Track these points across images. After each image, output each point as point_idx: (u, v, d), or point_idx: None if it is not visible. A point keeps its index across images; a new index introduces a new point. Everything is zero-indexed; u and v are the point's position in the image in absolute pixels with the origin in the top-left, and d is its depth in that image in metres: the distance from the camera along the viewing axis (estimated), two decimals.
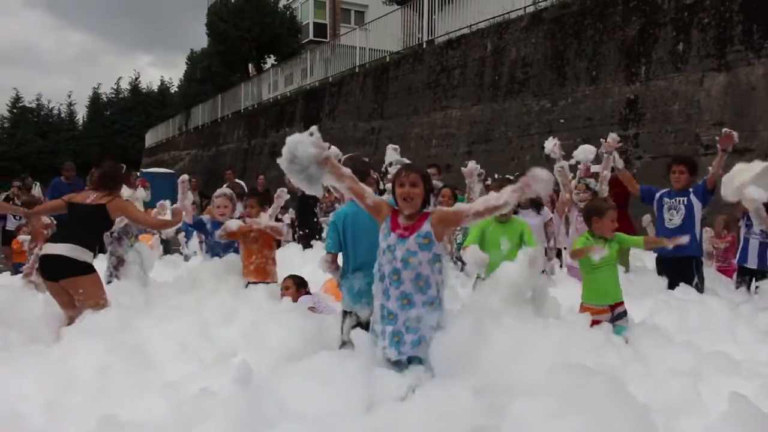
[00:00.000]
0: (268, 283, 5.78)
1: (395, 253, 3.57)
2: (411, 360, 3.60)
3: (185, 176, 6.55)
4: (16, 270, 8.85)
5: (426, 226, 3.58)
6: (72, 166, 12.15)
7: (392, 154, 6.34)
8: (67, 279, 5.07)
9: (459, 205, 3.82)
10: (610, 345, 4.14)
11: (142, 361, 4.06)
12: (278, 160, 3.49)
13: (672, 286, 6.09)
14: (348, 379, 3.54)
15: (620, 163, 6.62)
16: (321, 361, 3.76)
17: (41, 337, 4.76)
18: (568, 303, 4.83)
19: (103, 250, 6.65)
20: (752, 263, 6.54)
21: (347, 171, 3.65)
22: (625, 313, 4.70)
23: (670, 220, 6.28)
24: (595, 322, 4.44)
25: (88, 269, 5.17)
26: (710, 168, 6.22)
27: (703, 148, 9.92)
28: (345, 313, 4.31)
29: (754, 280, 6.47)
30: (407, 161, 5.89)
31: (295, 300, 5.22)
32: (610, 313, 4.63)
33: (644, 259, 8.00)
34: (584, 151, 7.26)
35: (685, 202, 6.20)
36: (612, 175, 6.96)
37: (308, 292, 5.60)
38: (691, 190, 6.25)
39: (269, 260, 5.94)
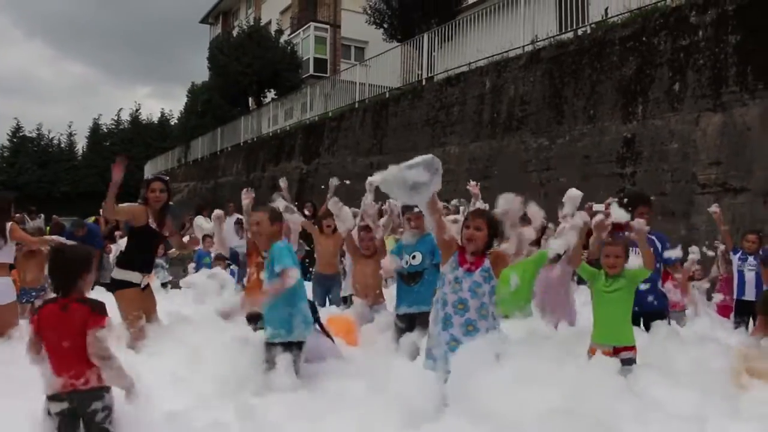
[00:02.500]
0: None
1: (462, 284, 4.06)
2: None
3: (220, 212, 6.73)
4: None
5: (487, 263, 4.11)
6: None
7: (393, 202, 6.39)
8: None
9: (504, 247, 4.25)
10: (619, 391, 3.98)
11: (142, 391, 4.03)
12: (382, 175, 3.92)
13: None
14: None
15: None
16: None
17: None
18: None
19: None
20: (750, 295, 6.58)
21: (440, 205, 4.28)
22: (631, 360, 4.48)
23: None
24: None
25: None
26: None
27: (700, 187, 10.01)
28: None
29: (752, 318, 6.46)
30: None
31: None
32: (614, 356, 4.39)
33: None
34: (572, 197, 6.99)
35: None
36: None
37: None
38: (654, 238, 6.11)
39: None
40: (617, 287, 4.53)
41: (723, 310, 8.03)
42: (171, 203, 6.35)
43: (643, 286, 5.31)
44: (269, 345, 4.48)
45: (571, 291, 6.26)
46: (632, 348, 4.53)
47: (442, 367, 3.99)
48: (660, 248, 6.01)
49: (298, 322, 4.52)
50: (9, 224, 6.34)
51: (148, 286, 6.15)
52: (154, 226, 6.03)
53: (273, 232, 4.63)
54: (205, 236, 10.72)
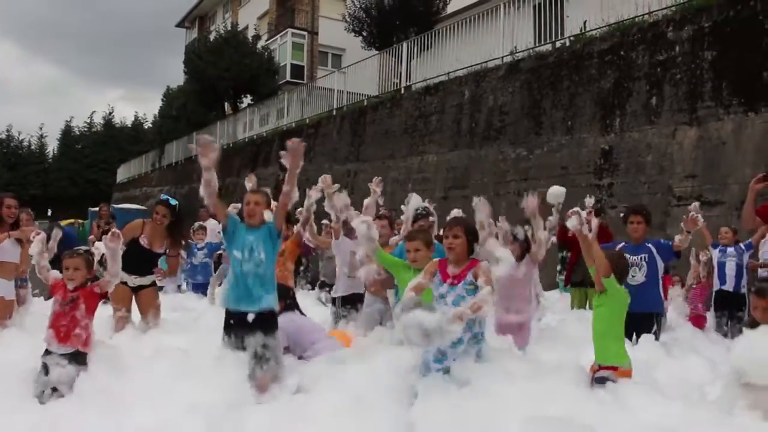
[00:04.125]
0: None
1: (446, 299, 4.09)
2: None
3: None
4: None
5: (470, 276, 4.09)
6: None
7: (416, 200, 6.31)
8: None
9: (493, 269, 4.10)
10: (592, 398, 4.02)
11: (116, 405, 3.97)
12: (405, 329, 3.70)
13: (629, 337, 6.05)
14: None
15: (587, 230, 6.56)
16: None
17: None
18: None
19: None
20: (730, 286, 6.99)
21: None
22: (604, 380, 4.19)
23: (633, 276, 6.09)
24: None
25: None
26: (677, 237, 6.27)
27: (676, 200, 10.15)
28: None
29: (731, 319, 6.73)
30: (428, 206, 6.04)
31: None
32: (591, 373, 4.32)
33: None
34: (555, 195, 7.07)
35: (647, 259, 6.21)
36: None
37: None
38: (651, 246, 6.25)
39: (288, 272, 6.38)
40: (599, 303, 4.44)
41: (697, 321, 8.14)
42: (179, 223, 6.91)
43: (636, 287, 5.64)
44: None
45: (534, 293, 6.17)
46: (613, 368, 4.25)
47: (427, 375, 4.05)
48: (657, 255, 6.15)
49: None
50: None
51: (147, 287, 6.59)
52: (144, 243, 6.55)
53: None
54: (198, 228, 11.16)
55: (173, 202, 6.82)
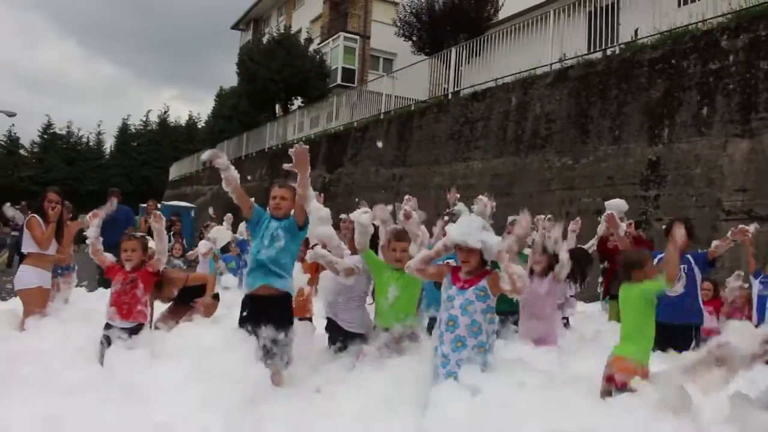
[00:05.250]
0: (309, 319, 6.21)
1: (454, 302, 4.10)
2: None
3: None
4: None
5: (483, 282, 4.09)
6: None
7: (460, 206, 6.34)
8: None
9: (502, 283, 4.01)
10: (610, 410, 3.94)
11: (137, 398, 4.04)
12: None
13: (663, 348, 5.75)
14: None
15: (621, 230, 6.47)
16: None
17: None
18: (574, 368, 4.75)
19: None
20: None
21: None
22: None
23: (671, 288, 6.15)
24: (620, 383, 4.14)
25: None
26: (714, 243, 6.13)
27: (725, 214, 9.85)
28: None
29: None
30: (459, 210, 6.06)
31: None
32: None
33: None
34: (615, 206, 7.15)
35: (686, 270, 6.15)
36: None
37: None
38: (690, 257, 6.17)
39: (309, 296, 6.32)
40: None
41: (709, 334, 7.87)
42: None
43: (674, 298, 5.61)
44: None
45: (557, 313, 6.08)
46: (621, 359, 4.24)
47: (437, 381, 4.06)
48: (695, 266, 6.08)
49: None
50: (28, 217, 6.71)
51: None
52: None
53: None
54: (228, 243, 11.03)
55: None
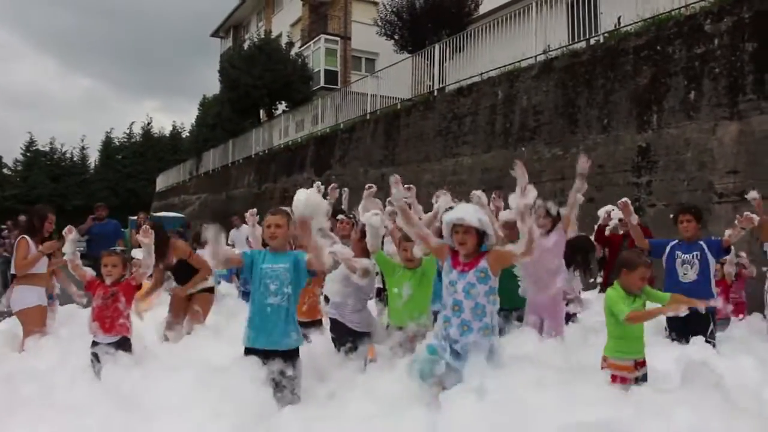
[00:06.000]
0: (320, 320, 6.09)
1: (456, 286, 4.10)
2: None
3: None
4: None
5: (483, 263, 4.10)
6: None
7: (446, 199, 6.28)
8: None
9: (510, 247, 4.17)
10: (626, 401, 3.91)
11: (142, 413, 3.97)
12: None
13: (680, 336, 6.00)
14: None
15: (634, 219, 6.56)
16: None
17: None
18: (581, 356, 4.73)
19: None
20: None
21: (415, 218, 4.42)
22: (646, 376, 4.41)
23: (685, 274, 6.24)
24: (618, 379, 4.26)
25: None
26: (727, 232, 6.21)
27: (717, 196, 9.88)
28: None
29: None
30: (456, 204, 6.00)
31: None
32: (635, 371, 4.34)
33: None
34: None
35: (699, 257, 6.20)
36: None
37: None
38: (703, 243, 6.25)
39: (317, 297, 6.19)
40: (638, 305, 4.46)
41: (737, 308, 7.91)
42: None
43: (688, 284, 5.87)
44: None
45: (563, 272, 6.05)
46: (645, 362, 4.50)
47: (439, 345, 4.11)
48: (708, 253, 6.15)
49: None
50: (18, 238, 6.65)
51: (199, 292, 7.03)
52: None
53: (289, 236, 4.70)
54: None
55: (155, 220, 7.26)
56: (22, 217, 11.88)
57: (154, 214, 26.01)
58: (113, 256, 5.45)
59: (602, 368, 4.42)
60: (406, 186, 6.31)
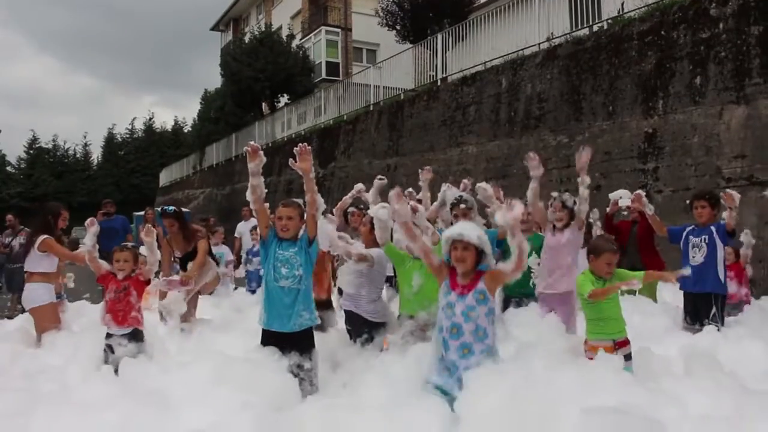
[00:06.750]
0: (329, 301, 6.33)
1: (454, 309, 4.02)
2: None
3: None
4: None
5: (481, 285, 4.03)
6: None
7: (452, 192, 6.28)
8: None
9: (501, 265, 4.07)
10: (639, 386, 3.98)
11: (162, 407, 3.99)
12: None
13: (695, 320, 6.24)
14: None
15: (650, 209, 6.63)
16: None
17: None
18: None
19: None
20: None
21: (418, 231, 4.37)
22: (630, 355, 4.59)
23: (693, 257, 6.42)
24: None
25: None
26: (724, 215, 6.35)
27: (725, 181, 9.85)
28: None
29: None
30: (463, 194, 6.03)
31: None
32: (614, 350, 4.50)
33: (664, 294, 7.96)
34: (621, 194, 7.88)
35: (707, 240, 6.34)
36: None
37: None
38: (713, 228, 6.36)
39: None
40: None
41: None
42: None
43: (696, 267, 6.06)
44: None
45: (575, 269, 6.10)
46: (628, 342, 4.68)
47: (445, 382, 4.00)
48: (717, 237, 6.29)
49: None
50: (41, 238, 6.53)
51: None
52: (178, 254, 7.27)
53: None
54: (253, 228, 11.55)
55: (170, 209, 7.34)
56: (10, 216, 11.99)
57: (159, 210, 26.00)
58: (125, 251, 5.60)
59: (585, 352, 4.64)
60: (406, 192, 6.32)
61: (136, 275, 5.56)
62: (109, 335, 5.35)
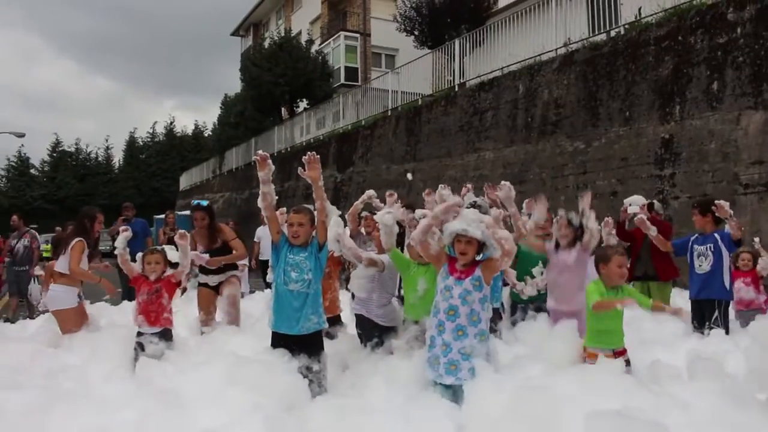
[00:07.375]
0: (338, 316, 6.24)
1: (452, 291, 4.24)
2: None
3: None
4: None
5: (478, 272, 4.27)
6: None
7: (470, 196, 6.47)
8: None
9: (491, 252, 4.31)
10: (644, 390, 4.03)
11: (177, 406, 4.09)
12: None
13: (701, 325, 6.36)
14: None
15: (653, 231, 6.74)
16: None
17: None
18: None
19: None
20: None
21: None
22: (629, 361, 4.66)
23: (700, 266, 6.53)
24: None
25: None
26: (727, 226, 6.42)
27: (742, 187, 9.81)
28: None
29: None
30: (484, 201, 6.11)
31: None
32: (614, 358, 4.54)
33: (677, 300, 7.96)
34: (634, 200, 7.90)
35: (712, 249, 6.43)
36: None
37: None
38: (716, 236, 6.45)
39: (337, 291, 6.37)
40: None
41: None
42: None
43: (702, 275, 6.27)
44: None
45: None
46: (625, 350, 4.74)
47: (437, 370, 4.18)
48: (722, 245, 6.38)
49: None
50: (74, 241, 6.66)
51: (217, 286, 7.09)
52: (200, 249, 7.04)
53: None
54: None
55: (204, 203, 7.36)
56: (15, 217, 11.92)
57: (179, 213, 26.26)
58: (156, 254, 5.81)
59: (583, 358, 4.69)
60: (404, 205, 6.38)
61: (167, 277, 5.76)
62: (140, 333, 5.58)
